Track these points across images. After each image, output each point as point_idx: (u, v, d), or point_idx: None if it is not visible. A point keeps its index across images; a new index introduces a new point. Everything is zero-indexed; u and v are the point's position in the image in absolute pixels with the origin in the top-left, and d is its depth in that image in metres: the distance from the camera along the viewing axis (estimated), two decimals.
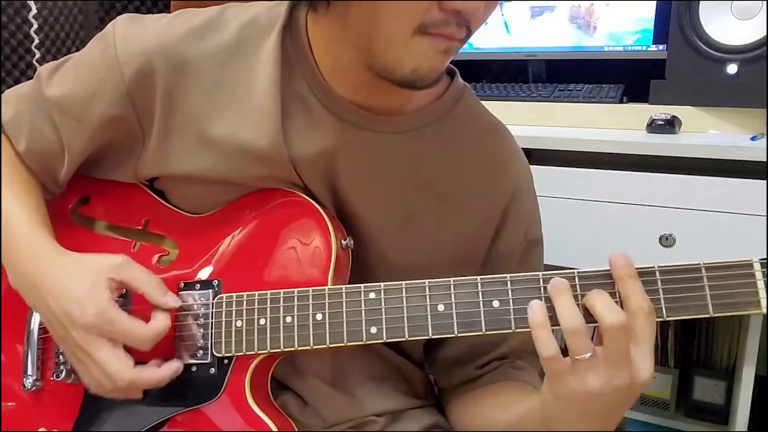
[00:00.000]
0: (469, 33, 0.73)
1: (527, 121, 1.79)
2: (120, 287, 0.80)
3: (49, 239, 0.84)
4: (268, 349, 0.79)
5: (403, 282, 0.76)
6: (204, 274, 0.85)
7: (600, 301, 0.67)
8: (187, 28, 0.83)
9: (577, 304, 0.68)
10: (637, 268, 0.69)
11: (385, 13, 0.70)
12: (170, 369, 0.81)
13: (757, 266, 0.67)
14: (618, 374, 0.66)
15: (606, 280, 0.69)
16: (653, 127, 1.56)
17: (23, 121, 0.89)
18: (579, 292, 0.69)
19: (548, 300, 0.70)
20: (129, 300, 0.84)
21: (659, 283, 0.69)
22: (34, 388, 0.87)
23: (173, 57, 0.81)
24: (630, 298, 0.67)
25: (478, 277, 0.74)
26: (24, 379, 0.87)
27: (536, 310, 0.69)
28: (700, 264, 0.68)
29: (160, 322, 0.79)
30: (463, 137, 0.90)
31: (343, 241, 0.83)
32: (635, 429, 1.87)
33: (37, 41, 1.72)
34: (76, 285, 0.78)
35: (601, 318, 0.66)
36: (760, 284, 0.66)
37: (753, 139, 1.44)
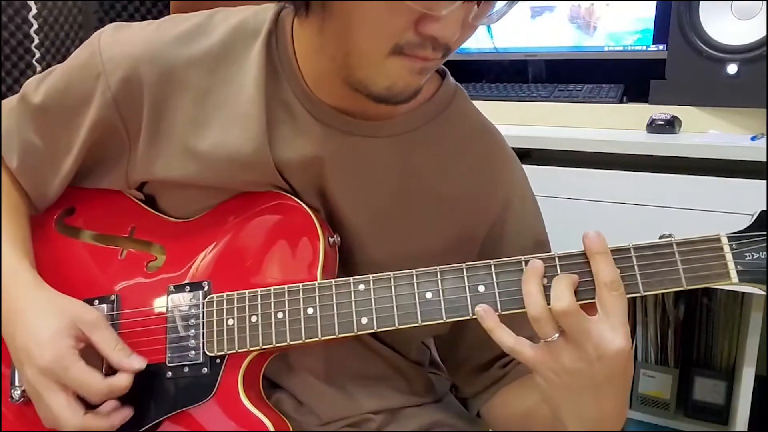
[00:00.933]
0: (448, 52, 0.73)
1: (527, 121, 1.79)
2: (85, 341, 0.80)
3: (31, 270, 0.85)
4: (261, 345, 0.79)
5: (391, 272, 0.77)
6: (193, 276, 0.86)
7: (555, 287, 0.69)
8: (175, 33, 0.83)
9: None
10: (613, 247, 0.71)
11: (360, 31, 0.70)
12: (120, 416, 0.81)
13: (724, 240, 0.70)
14: (582, 349, 0.68)
15: (584, 260, 0.71)
16: (653, 127, 1.57)
17: (13, 137, 0.89)
18: (559, 272, 0.71)
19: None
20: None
21: (634, 260, 0.71)
22: (21, 400, 0.86)
23: (160, 63, 0.81)
24: (598, 274, 0.69)
25: (464, 264, 0.75)
26: (12, 391, 0.86)
27: (483, 316, 0.72)
28: (671, 240, 0.71)
29: (119, 380, 0.79)
30: (454, 141, 0.89)
31: (330, 239, 0.83)
32: (635, 429, 1.87)
33: (37, 41, 1.72)
34: (44, 325, 0.79)
35: (551, 304, 0.68)
36: (728, 257, 0.69)
37: (753, 139, 1.44)
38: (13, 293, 0.82)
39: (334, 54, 0.74)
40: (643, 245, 0.71)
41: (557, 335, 0.69)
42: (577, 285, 0.70)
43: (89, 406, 0.79)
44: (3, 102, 0.92)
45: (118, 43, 0.83)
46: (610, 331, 0.67)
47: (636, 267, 0.70)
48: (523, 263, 0.73)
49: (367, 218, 0.86)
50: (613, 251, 0.71)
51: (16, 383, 0.86)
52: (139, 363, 0.80)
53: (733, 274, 0.69)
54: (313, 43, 0.79)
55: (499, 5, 0.72)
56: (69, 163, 0.87)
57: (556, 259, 0.72)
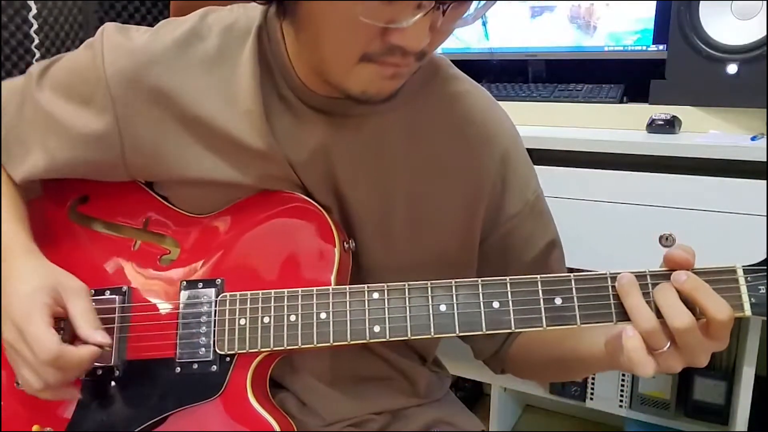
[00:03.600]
0: (424, 56, 0.73)
1: (527, 121, 1.79)
2: (62, 306, 0.80)
3: (27, 240, 0.86)
4: (272, 347, 0.80)
5: (406, 283, 0.77)
6: (206, 273, 0.86)
7: (671, 303, 0.69)
8: (172, 38, 0.84)
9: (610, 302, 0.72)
10: (631, 273, 0.71)
11: (328, 42, 0.72)
12: (92, 348, 0.79)
13: (740, 272, 0.70)
14: (693, 357, 0.69)
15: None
16: (653, 127, 1.56)
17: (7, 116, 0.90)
18: (611, 292, 0.72)
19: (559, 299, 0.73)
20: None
21: (650, 286, 0.71)
22: None
23: (159, 68, 0.82)
24: (707, 310, 0.68)
25: (479, 279, 0.76)
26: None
27: (630, 335, 0.70)
28: (688, 270, 0.70)
29: (77, 351, 0.78)
30: (444, 105, 0.90)
31: (345, 244, 0.84)
32: (635, 429, 1.87)
33: (37, 41, 1.72)
34: (25, 284, 0.80)
35: (671, 321, 0.68)
36: (743, 289, 0.69)
37: (753, 139, 1.44)
38: (5, 261, 0.83)
39: (310, 59, 0.78)
40: (660, 272, 0.71)
41: (667, 347, 0.69)
42: None
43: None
44: (8, 81, 0.93)
45: (120, 48, 0.83)
46: (720, 346, 0.70)
47: (652, 294, 0.70)
48: (539, 282, 0.74)
49: (379, 206, 0.87)
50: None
51: None
52: (102, 337, 0.79)
53: (747, 306, 0.69)
54: (296, 45, 0.81)
55: (473, 6, 0.72)
56: (61, 159, 0.87)
57: (608, 278, 0.73)
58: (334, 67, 0.74)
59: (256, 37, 0.83)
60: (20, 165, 0.89)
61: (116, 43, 0.84)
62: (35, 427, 0.86)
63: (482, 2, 0.72)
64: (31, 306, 0.78)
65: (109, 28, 0.86)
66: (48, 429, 0.86)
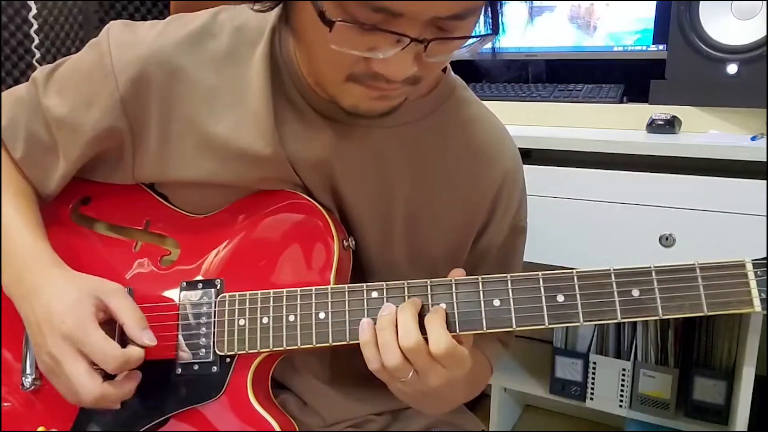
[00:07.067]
0: (417, 82, 0.73)
1: (527, 121, 1.79)
2: (105, 310, 0.80)
3: (49, 251, 0.85)
4: (271, 347, 0.79)
5: (405, 281, 0.77)
6: (206, 273, 0.86)
7: (400, 319, 0.73)
8: (182, 35, 0.83)
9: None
10: (634, 268, 0.70)
11: (318, 60, 0.73)
12: (132, 384, 0.81)
13: (749, 266, 0.68)
14: (456, 372, 0.74)
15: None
16: (653, 127, 1.57)
17: (19, 128, 0.89)
18: (615, 288, 0.72)
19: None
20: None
21: (655, 282, 0.70)
22: (32, 388, 0.87)
23: (168, 65, 0.82)
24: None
25: (479, 277, 0.75)
26: (23, 379, 0.87)
27: (365, 328, 0.75)
28: (694, 264, 0.69)
29: (135, 352, 0.79)
30: (454, 129, 0.90)
31: (344, 242, 0.83)
32: (635, 429, 1.87)
33: (37, 41, 1.72)
34: (64, 296, 0.79)
35: (400, 338, 0.72)
36: (753, 284, 0.68)
37: (753, 139, 1.45)
38: (32, 273, 0.82)
39: (309, 70, 0.79)
40: (665, 267, 0.70)
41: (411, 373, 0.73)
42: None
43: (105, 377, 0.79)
44: (11, 90, 0.92)
45: (128, 44, 0.82)
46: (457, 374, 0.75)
47: (657, 290, 0.70)
48: (540, 279, 0.73)
49: (378, 215, 0.87)
50: (634, 272, 0.70)
51: (27, 371, 0.87)
52: (149, 339, 0.80)
53: (757, 302, 0.67)
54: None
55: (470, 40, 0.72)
56: (72, 160, 0.87)
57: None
58: (326, 80, 0.75)
59: (269, 39, 0.83)
60: (52, 178, 0.89)
61: (124, 40, 0.83)
62: (40, 429, 0.86)
63: (478, 37, 0.72)
64: (81, 317, 0.77)
65: (115, 26, 0.85)
66: (53, 430, 0.86)
